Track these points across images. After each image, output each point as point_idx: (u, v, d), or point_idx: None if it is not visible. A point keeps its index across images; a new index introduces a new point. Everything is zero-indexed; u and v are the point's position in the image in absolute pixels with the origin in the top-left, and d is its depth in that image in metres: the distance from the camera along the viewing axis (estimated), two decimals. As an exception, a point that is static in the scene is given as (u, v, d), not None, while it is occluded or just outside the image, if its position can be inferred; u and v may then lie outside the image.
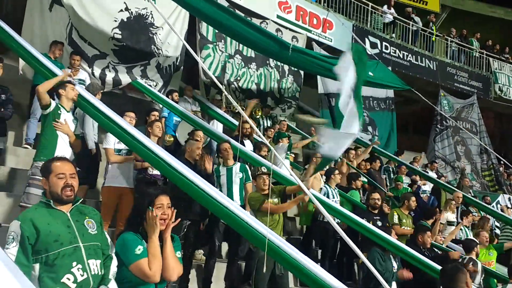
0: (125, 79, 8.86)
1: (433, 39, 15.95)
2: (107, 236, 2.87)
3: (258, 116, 10.11)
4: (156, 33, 9.33)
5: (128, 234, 2.89)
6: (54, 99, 4.96)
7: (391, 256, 5.47)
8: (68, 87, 4.94)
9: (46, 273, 2.53)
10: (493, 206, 10.81)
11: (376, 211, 6.50)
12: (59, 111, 4.80)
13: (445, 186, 10.49)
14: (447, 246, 7.12)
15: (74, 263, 2.58)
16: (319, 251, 7.26)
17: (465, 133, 15.26)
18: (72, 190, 2.71)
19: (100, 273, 2.68)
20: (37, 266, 2.53)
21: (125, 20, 8.87)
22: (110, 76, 8.57)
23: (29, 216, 2.59)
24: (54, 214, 2.66)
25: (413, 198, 7.22)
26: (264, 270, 4.01)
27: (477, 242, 6.76)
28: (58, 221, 2.63)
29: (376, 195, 6.62)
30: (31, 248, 2.52)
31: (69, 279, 2.55)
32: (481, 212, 9.66)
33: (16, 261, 2.43)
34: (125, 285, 2.81)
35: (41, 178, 2.82)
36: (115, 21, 8.73)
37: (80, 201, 2.81)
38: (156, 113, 7.19)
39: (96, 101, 5.19)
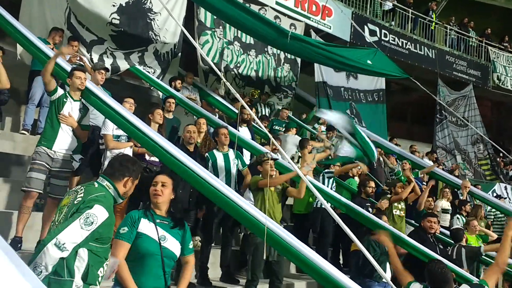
0: (123, 65, 8.82)
1: (432, 27, 15.88)
2: None
3: (255, 97, 10.12)
4: (154, 19, 9.26)
5: (131, 212, 3.05)
6: (64, 88, 4.95)
7: None
8: (74, 76, 4.87)
9: (91, 266, 2.57)
10: (489, 195, 10.85)
11: (368, 198, 6.61)
12: (65, 99, 4.76)
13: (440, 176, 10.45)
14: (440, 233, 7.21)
15: (106, 258, 2.69)
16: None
17: (452, 126, 15.40)
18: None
19: None
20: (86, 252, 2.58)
21: (124, 5, 8.80)
22: (108, 62, 8.52)
23: (112, 209, 2.66)
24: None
25: (399, 184, 7.29)
26: (265, 257, 4.04)
27: (464, 230, 6.82)
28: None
29: (372, 184, 6.76)
30: (91, 240, 2.56)
31: (101, 272, 2.64)
32: (477, 200, 9.72)
33: (80, 242, 2.47)
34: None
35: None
36: (114, 5, 8.66)
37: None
38: (172, 100, 7.13)
39: (93, 86, 5.16)
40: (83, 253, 2.53)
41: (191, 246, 3.12)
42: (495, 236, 7.88)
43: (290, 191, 5.51)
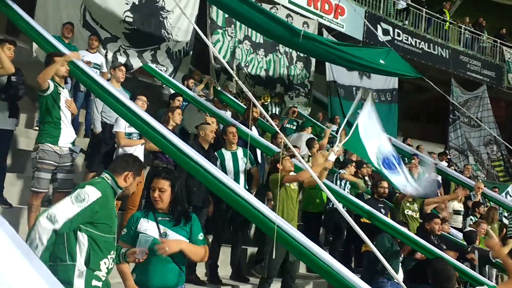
0: (136, 63, 8.88)
1: (446, 27, 15.71)
2: None
3: (266, 103, 10.10)
4: (166, 17, 9.31)
5: (134, 213, 3.20)
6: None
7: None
8: (57, 63, 4.59)
9: (93, 251, 2.61)
10: (502, 196, 10.71)
11: (381, 199, 6.51)
12: (58, 91, 4.59)
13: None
14: (450, 235, 7.14)
15: (112, 252, 2.72)
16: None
17: (465, 127, 15.25)
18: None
19: None
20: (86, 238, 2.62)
21: (137, 3, 8.86)
22: (121, 60, 8.57)
23: (108, 195, 2.70)
24: (113, 203, 2.80)
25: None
26: (274, 256, 4.03)
27: (477, 232, 6.73)
28: (115, 209, 2.83)
29: (385, 184, 6.62)
30: (84, 220, 2.59)
31: (105, 264, 2.67)
32: (490, 202, 9.61)
33: (70, 219, 2.49)
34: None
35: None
36: (127, 4, 8.72)
37: None
38: (181, 98, 7.15)
39: (106, 83, 5.17)
40: (82, 237, 2.58)
41: (201, 237, 3.08)
42: (494, 236, 7.78)
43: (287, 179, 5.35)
